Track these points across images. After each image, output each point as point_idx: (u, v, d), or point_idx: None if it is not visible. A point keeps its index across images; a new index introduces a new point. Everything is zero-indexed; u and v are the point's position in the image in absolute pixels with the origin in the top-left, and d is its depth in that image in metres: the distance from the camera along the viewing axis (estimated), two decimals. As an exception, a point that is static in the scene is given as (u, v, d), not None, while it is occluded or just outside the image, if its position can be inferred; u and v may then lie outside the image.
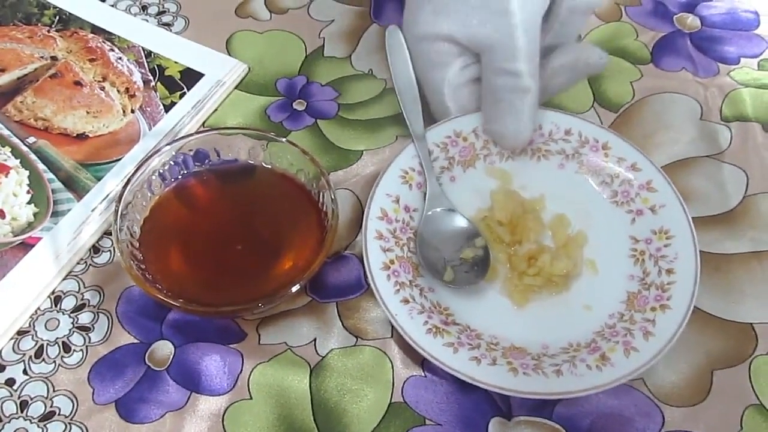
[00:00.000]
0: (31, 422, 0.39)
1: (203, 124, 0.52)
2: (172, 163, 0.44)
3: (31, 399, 0.40)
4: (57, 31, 0.56)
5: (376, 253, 0.42)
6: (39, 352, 0.42)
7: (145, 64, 0.54)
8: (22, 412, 0.40)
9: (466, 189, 0.47)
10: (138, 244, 0.41)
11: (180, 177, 0.44)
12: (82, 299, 0.43)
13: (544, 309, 0.43)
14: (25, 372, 0.41)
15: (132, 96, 0.52)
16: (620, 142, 0.47)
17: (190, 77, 0.54)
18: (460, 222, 0.45)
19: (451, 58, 0.45)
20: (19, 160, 0.48)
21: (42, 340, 0.42)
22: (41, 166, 0.48)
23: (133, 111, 0.52)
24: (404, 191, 0.45)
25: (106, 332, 0.42)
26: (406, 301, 0.40)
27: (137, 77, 0.54)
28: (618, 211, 0.46)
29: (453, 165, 0.47)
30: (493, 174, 0.48)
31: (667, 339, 0.39)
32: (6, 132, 0.50)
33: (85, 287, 0.44)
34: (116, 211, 0.40)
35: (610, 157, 0.47)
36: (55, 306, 0.43)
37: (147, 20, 0.58)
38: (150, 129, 0.51)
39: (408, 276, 0.42)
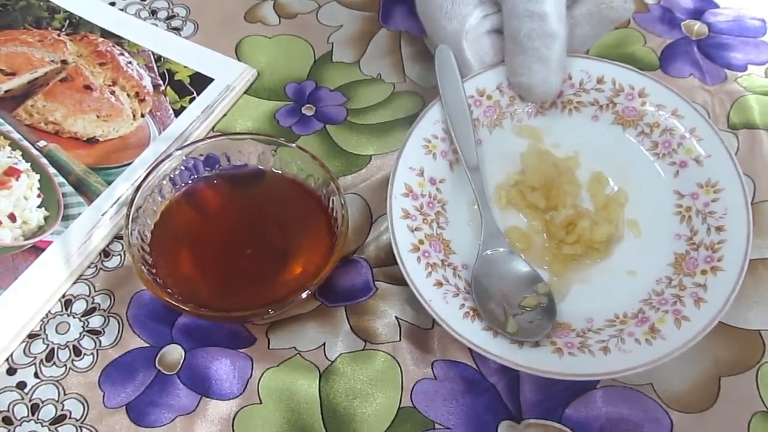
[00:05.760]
0: (42, 425, 0.39)
1: (213, 128, 0.52)
2: (183, 167, 0.44)
3: (42, 402, 0.40)
4: (67, 35, 0.56)
5: (403, 233, 0.39)
6: (50, 356, 0.42)
7: (155, 68, 0.55)
8: (33, 415, 0.40)
9: (495, 152, 0.44)
10: (149, 249, 0.41)
11: (190, 182, 0.44)
12: (92, 303, 0.44)
13: (586, 278, 0.41)
14: (36, 375, 0.41)
15: (142, 100, 0.53)
16: (659, 88, 0.43)
17: (200, 82, 0.54)
18: (521, 266, 0.41)
19: (470, 7, 0.42)
20: (29, 164, 0.49)
21: (53, 343, 0.42)
22: (52, 170, 0.49)
23: (143, 115, 0.52)
24: (428, 162, 0.42)
25: (117, 336, 0.42)
26: (440, 284, 0.38)
27: (147, 81, 0.54)
28: (659, 164, 0.43)
29: (478, 127, 0.44)
30: (522, 133, 0.45)
31: (721, 305, 0.36)
32: (17, 136, 0.50)
33: (95, 291, 0.44)
34: (127, 216, 0.40)
35: (648, 104, 0.43)
36: (66, 309, 0.43)
37: (156, 24, 0.58)
38: (160, 133, 0.51)
39: (439, 255, 0.40)
